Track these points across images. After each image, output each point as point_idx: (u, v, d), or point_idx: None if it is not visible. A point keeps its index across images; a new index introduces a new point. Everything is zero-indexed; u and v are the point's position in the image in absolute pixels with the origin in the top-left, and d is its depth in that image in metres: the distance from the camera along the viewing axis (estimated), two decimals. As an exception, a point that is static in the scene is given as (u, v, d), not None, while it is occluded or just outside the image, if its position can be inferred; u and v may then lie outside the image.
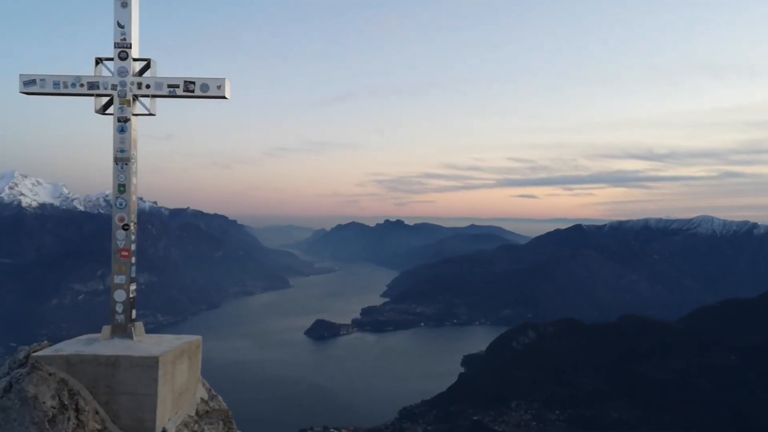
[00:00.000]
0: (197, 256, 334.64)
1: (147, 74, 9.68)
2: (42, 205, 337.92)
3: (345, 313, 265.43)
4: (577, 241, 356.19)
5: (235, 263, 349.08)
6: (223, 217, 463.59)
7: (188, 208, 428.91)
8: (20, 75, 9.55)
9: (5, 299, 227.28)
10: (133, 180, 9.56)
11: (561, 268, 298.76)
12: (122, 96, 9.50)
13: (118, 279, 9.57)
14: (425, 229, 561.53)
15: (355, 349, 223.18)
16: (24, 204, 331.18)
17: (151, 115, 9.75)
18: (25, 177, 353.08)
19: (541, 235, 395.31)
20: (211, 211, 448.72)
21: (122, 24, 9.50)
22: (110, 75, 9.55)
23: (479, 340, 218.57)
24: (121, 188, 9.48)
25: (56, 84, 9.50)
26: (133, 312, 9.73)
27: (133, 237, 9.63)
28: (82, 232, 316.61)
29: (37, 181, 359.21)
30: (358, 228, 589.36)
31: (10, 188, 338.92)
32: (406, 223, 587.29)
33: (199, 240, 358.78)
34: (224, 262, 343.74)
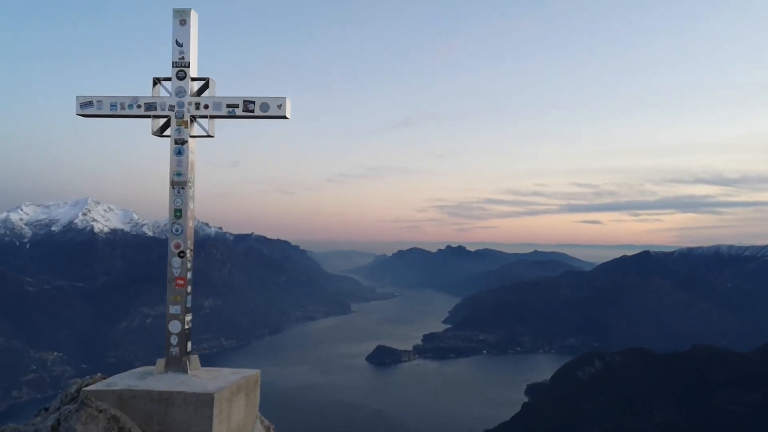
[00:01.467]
0: (260, 281, 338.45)
1: (206, 94, 9.28)
2: (113, 231, 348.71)
3: (406, 339, 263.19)
4: (644, 267, 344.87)
5: (298, 288, 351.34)
6: (286, 243, 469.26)
7: (252, 233, 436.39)
8: (77, 97, 9.26)
9: (77, 322, 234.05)
10: (190, 205, 9.10)
11: (628, 296, 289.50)
12: (179, 117, 9.10)
13: (173, 309, 9.09)
14: (487, 254, 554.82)
15: (417, 376, 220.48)
16: (96, 230, 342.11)
17: (209, 136, 9.30)
18: (98, 203, 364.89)
19: (607, 262, 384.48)
20: (274, 237, 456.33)
21: (180, 42, 9.13)
22: (168, 95, 9.19)
23: (543, 368, 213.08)
24: (178, 213, 9.03)
25: (113, 105, 9.19)
26: (189, 344, 9.22)
27: (189, 265, 9.14)
28: (151, 256, 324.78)
29: (109, 208, 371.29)
30: (419, 253, 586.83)
31: (84, 214, 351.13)
32: (467, 248, 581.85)
33: (262, 265, 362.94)
34: (287, 287, 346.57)
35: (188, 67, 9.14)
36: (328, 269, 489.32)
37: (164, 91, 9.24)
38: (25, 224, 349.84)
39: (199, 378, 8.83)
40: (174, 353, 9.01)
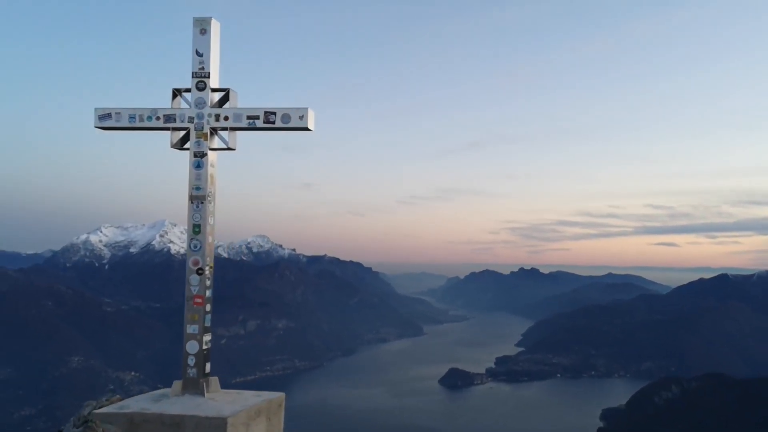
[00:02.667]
0: (333, 303, 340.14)
1: (227, 105, 8.95)
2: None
3: (479, 361, 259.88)
4: (722, 291, 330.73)
5: (370, 310, 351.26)
6: (359, 264, 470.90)
7: (325, 255, 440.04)
8: (95, 109, 9.07)
9: (155, 342, 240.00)
10: (210, 220, 8.73)
11: (706, 320, 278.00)
12: (199, 129, 8.78)
13: (191, 329, 8.67)
14: (560, 277, 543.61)
15: (490, 399, 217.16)
16: (173, 251, 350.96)
17: (229, 149, 8.95)
18: (174, 225, 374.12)
19: (683, 285, 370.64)
20: (347, 258, 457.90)
21: (201, 52, 8.84)
22: (187, 107, 8.92)
23: (619, 393, 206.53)
24: (196, 229, 8.68)
25: (132, 117, 8.95)
26: (207, 366, 8.78)
27: (208, 282, 8.74)
28: (226, 278, 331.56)
29: (185, 230, 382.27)
30: (491, 276, 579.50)
31: (161, 236, 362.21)
32: (540, 271, 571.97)
33: (335, 287, 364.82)
34: (359, 309, 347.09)
35: (208, 77, 8.83)
36: (401, 291, 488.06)
37: (185, 103, 8.96)
38: (105, 246, 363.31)
39: (216, 401, 8.39)
40: (191, 375, 8.61)
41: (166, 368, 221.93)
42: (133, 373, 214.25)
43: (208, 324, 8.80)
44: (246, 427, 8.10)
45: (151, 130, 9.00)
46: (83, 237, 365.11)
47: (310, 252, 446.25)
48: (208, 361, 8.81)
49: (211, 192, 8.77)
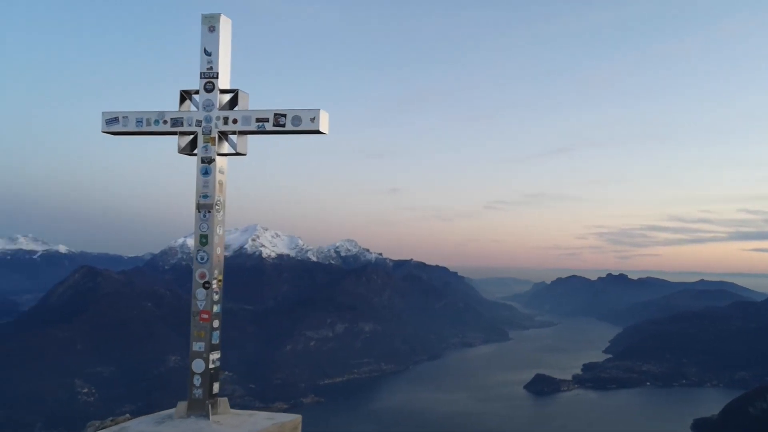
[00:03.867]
0: (419, 307, 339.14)
1: (237, 108, 8.35)
2: (280, 256, 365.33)
3: (565, 368, 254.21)
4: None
5: (456, 314, 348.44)
6: (444, 269, 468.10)
7: (411, 259, 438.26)
8: (103, 113, 8.64)
9: (247, 344, 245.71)
10: (218, 230, 8.15)
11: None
12: (206, 133, 8.22)
13: (197, 346, 8.08)
14: (650, 283, 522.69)
15: (577, 406, 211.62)
16: (264, 255, 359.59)
17: (239, 154, 8.34)
18: (266, 230, 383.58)
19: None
20: (433, 263, 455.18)
21: (209, 51, 8.27)
22: (195, 110, 8.39)
23: (711, 403, 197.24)
24: (203, 240, 8.12)
25: (139, 122, 8.49)
26: (215, 386, 8.17)
27: (216, 297, 8.15)
28: (315, 281, 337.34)
29: (276, 234, 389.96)
30: (578, 281, 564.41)
31: (253, 240, 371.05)
32: (629, 277, 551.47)
33: (421, 291, 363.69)
34: (445, 313, 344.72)
35: (217, 78, 8.28)
36: (486, 296, 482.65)
37: (194, 107, 8.43)
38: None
39: (220, 425, 7.80)
40: (197, 396, 8.05)
41: (257, 369, 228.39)
42: (226, 373, 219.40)
43: (215, 341, 8.23)
44: (251, 454, 7.47)
45: (159, 135, 8.54)
46: (180, 240, 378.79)
47: (396, 256, 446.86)
48: (216, 381, 8.24)
49: (219, 200, 8.21)
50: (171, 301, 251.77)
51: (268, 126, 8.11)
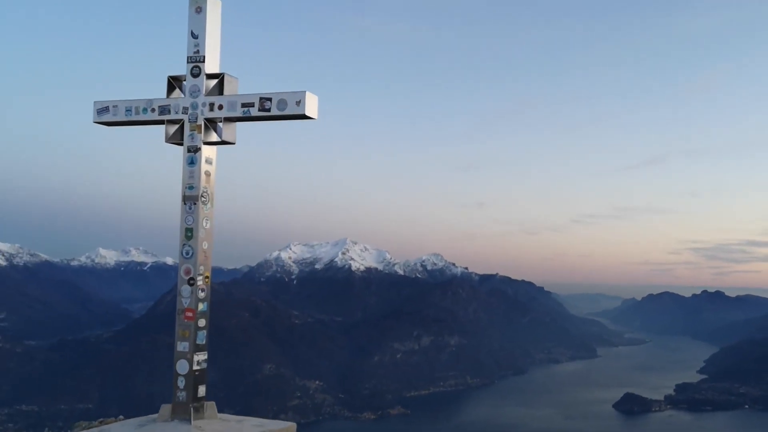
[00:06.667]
0: (505, 321, 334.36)
1: (225, 93, 7.87)
2: (368, 269, 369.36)
3: (657, 388, 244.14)
4: None
5: (542, 330, 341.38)
6: (530, 284, 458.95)
7: (497, 274, 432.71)
8: (94, 102, 8.33)
9: (336, 353, 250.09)
10: (205, 224, 7.65)
11: None
12: (193, 120, 7.78)
13: (181, 346, 7.59)
14: (749, 301, 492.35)
15: (669, 428, 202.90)
16: (353, 268, 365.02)
17: (226, 143, 7.85)
18: (355, 243, 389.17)
19: None
20: (519, 278, 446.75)
21: (196, 33, 7.83)
22: (182, 96, 7.97)
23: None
24: (189, 233, 7.63)
25: (128, 110, 8.13)
26: (201, 389, 7.62)
27: (201, 294, 7.62)
28: (402, 294, 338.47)
29: (365, 247, 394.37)
30: (671, 298, 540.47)
31: (343, 254, 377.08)
32: (726, 294, 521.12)
33: (506, 305, 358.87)
34: (531, 328, 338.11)
35: (203, 62, 7.83)
36: (574, 312, 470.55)
37: (184, 94, 8.01)
38: (293, 262, 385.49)
39: (202, 430, 7.27)
40: (180, 399, 7.55)
41: (346, 379, 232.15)
42: (317, 382, 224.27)
43: (201, 341, 7.70)
44: (229, 464, 6.90)
45: (147, 124, 8.17)
46: (275, 254, 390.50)
47: (482, 270, 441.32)
48: (201, 384, 7.69)
49: (206, 191, 7.72)
50: (266, 312, 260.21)
51: (254, 111, 7.58)
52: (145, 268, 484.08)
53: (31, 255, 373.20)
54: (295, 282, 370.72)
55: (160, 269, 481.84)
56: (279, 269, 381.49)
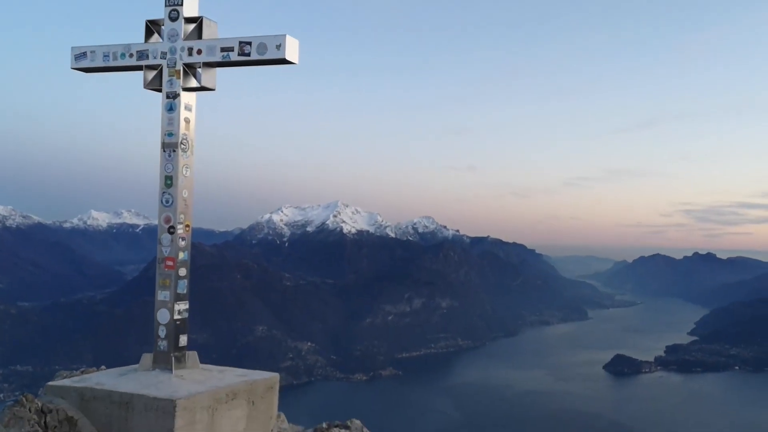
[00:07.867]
0: (496, 284, 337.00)
1: (204, 38, 7.65)
2: (360, 232, 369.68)
3: (647, 349, 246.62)
4: None
5: (533, 292, 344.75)
6: (522, 246, 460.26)
7: (488, 236, 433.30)
8: (72, 48, 8.07)
9: (328, 316, 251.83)
10: (184, 171, 7.51)
11: None
12: (171, 65, 7.58)
13: (162, 295, 7.52)
14: (740, 263, 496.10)
15: (659, 389, 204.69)
16: (345, 231, 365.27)
17: (205, 89, 7.66)
18: (346, 206, 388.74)
19: None
20: (510, 240, 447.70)
21: None
22: (161, 41, 7.76)
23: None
24: (168, 181, 7.50)
25: (106, 56, 7.89)
26: (182, 338, 7.58)
27: (182, 243, 7.52)
28: (393, 257, 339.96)
29: (356, 210, 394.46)
30: (662, 260, 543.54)
31: (334, 216, 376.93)
32: (717, 256, 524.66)
33: (498, 268, 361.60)
34: (522, 291, 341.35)
35: (181, 5, 7.60)
36: (565, 274, 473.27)
37: (162, 38, 7.78)
38: (285, 225, 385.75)
39: (183, 379, 7.23)
40: (161, 348, 7.51)
41: (338, 340, 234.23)
42: (309, 344, 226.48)
43: (182, 291, 7.62)
44: (211, 411, 6.88)
45: (126, 71, 7.96)
46: (267, 216, 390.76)
47: (473, 233, 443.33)
48: (182, 333, 7.65)
49: (186, 139, 7.56)
50: (258, 274, 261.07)
51: (233, 56, 7.36)
52: (138, 230, 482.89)
53: (24, 217, 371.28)
54: (286, 244, 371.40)
55: (152, 231, 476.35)
56: (271, 232, 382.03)
